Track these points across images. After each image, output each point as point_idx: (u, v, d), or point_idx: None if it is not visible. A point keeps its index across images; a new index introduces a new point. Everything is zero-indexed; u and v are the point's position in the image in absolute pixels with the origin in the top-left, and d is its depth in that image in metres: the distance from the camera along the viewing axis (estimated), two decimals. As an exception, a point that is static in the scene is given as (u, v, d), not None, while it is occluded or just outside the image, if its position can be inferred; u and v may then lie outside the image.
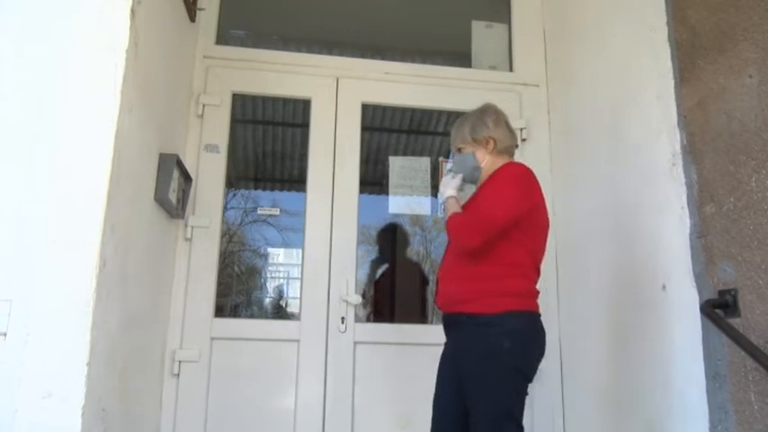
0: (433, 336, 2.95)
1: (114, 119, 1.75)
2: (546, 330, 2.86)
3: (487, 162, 2.07)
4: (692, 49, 2.06)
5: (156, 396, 2.49)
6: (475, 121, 2.10)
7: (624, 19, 2.45)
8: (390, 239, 3.31)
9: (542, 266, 2.85)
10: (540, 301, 2.84)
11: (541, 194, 2.03)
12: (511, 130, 2.14)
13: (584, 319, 2.66)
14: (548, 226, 2.07)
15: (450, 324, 2.04)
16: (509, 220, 1.90)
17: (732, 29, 1.90)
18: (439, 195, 2.15)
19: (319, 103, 3.00)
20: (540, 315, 1.98)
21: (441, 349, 2.85)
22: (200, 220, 2.74)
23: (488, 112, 2.12)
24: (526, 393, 1.89)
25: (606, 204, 2.50)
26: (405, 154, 4.41)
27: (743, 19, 1.86)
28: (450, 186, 2.08)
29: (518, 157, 3.03)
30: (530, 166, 2.03)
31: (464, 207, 2.06)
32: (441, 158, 3.26)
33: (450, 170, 2.17)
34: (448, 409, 1.98)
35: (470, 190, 2.18)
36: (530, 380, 1.91)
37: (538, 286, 2.03)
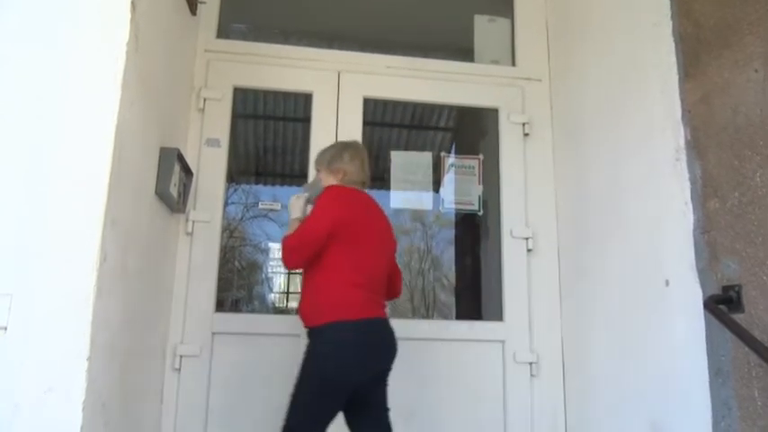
0: (433, 330, 2.96)
1: (115, 113, 1.74)
2: (541, 327, 2.87)
3: None
4: (697, 44, 2.04)
5: (156, 391, 2.49)
6: (335, 152, 2.34)
7: (628, 13, 2.43)
8: None
9: (544, 261, 2.91)
10: (540, 298, 2.87)
11: (364, 209, 2.23)
12: (364, 169, 2.32)
13: (587, 314, 2.65)
14: (380, 240, 2.24)
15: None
16: (318, 236, 2.08)
17: (737, 23, 1.88)
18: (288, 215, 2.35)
19: (321, 97, 2.98)
20: (367, 322, 2.10)
21: (441, 344, 2.87)
22: (201, 214, 2.73)
23: (349, 148, 2.35)
24: (336, 400, 2.05)
25: (609, 199, 2.49)
26: (407, 149, 4.41)
27: (748, 13, 1.85)
28: (296, 207, 2.30)
29: (521, 151, 3.06)
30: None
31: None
32: (443, 153, 3.25)
33: (303, 187, 2.45)
34: None
35: None
36: (343, 388, 2.05)
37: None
